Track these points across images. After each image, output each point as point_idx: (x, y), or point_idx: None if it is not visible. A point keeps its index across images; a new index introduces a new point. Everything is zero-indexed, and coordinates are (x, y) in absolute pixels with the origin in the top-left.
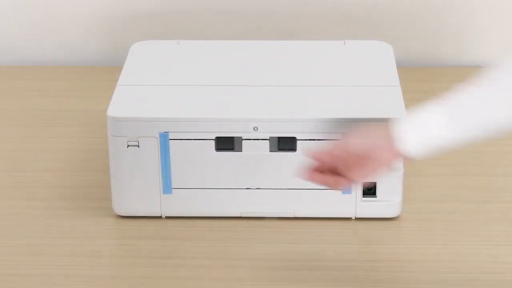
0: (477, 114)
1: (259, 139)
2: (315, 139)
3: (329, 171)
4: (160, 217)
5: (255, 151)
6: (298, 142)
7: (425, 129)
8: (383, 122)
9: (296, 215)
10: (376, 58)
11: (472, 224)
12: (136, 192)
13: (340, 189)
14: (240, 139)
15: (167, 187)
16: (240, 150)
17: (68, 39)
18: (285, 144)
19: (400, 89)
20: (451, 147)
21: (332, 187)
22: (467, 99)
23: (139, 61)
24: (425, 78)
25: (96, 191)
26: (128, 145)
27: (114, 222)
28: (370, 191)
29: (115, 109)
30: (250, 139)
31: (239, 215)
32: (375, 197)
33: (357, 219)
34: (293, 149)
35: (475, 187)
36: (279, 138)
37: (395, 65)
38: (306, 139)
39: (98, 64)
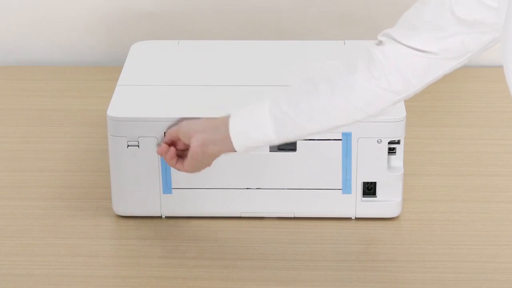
0: (300, 122)
1: None
2: (315, 139)
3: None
4: (160, 217)
5: (255, 151)
6: (298, 142)
7: (253, 133)
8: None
9: (296, 215)
10: None
11: (472, 224)
12: (136, 192)
13: (178, 170)
14: None
15: (167, 187)
16: None
17: (68, 39)
18: (285, 144)
19: None
20: (274, 144)
21: (172, 166)
22: (292, 106)
23: (139, 61)
24: None
25: (96, 191)
26: (128, 145)
27: (114, 222)
28: (370, 191)
29: (115, 109)
30: None
31: (239, 215)
32: (375, 197)
33: (357, 219)
34: (293, 149)
35: (475, 187)
36: None
37: None
38: (306, 139)
39: (98, 64)
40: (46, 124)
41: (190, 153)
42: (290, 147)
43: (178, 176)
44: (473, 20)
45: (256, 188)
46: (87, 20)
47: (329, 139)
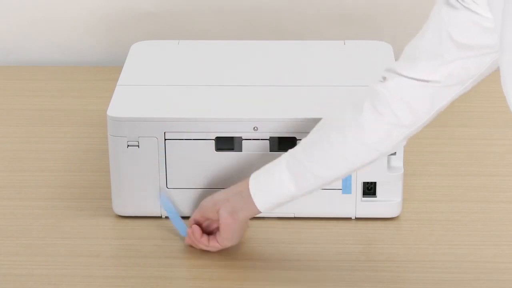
0: (317, 171)
1: (259, 139)
2: None
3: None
4: (160, 217)
5: (255, 151)
6: (298, 142)
7: (275, 189)
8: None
9: (296, 215)
10: (376, 58)
11: (472, 224)
12: (136, 192)
13: (214, 249)
14: (240, 139)
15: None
16: (240, 150)
17: (68, 39)
18: (285, 144)
19: None
20: (296, 198)
21: (208, 248)
22: (308, 156)
23: (139, 61)
24: None
25: (96, 191)
26: (128, 145)
27: (114, 222)
28: (370, 191)
29: (115, 109)
30: (250, 139)
31: None
32: (375, 197)
33: (357, 219)
34: None
35: (475, 187)
36: (279, 138)
37: None
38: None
39: (98, 64)
40: (46, 124)
41: (222, 226)
42: (290, 147)
43: (177, 176)
44: (472, 43)
45: None
46: (87, 20)
47: None
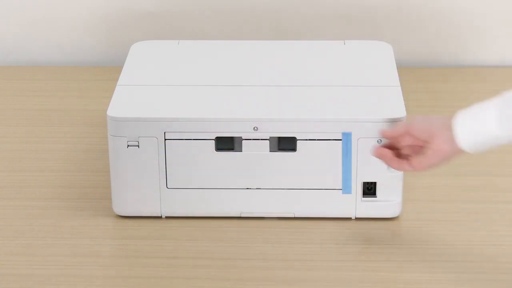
0: None
1: (259, 139)
2: (315, 139)
3: (396, 154)
4: (160, 217)
5: (255, 151)
6: (298, 142)
7: (478, 125)
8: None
9: (296, 215)
10: (376, 58)
11: (472, 224)
12: (136, 192)
13: (402, 170)
14: (240, 139)
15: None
16: (240, 150)
17: (68, 39)
18: (285, 144)
19: (400, 89)
20: (503, 144)
21: (395, 168)
22: None
23: (139, 61)
24: (425, 78)
25: (96, 191)
26: (128, 145)
27: (114, 222)
28: (370, 191)
29: (115, 109)
30: (250, 139)
31: (239, 215)
32: (375, 197)
33: (357, 219)
34: (293, 149)
35: (475, 187)
36: (279, 138)
37: (395, 65)
38: (306, 139)
39: (98, 64)
40: (46, 124)
41: (434, 152)
42: (290, 147)
43: (178, 176)
44: None
45: (256, 188)
46: (87, 20)
47: (329, 139)
